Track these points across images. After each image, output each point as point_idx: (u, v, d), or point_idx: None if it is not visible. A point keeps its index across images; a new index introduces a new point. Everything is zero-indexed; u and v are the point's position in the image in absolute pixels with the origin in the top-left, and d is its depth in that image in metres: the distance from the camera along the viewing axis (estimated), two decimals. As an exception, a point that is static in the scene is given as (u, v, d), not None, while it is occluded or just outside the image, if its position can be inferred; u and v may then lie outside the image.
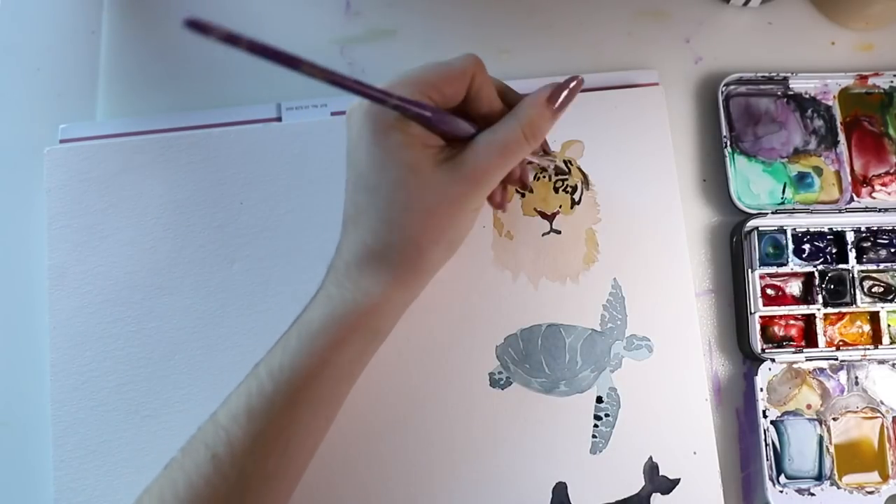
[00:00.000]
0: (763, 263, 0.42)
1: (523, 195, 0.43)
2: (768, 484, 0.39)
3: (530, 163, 0.41)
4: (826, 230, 0.43)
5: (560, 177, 0.44)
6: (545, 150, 0.40)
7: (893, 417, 0.41)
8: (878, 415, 0.41)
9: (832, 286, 0.43)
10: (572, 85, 0.33)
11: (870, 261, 0.43)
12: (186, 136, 0.44)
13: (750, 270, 0.42)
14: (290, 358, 0.32)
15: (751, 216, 0.42)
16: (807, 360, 0.41)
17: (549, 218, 0.43)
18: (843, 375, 0.42)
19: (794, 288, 0.43)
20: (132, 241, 0.43)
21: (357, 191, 0.33)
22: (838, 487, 0.40)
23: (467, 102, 0.33)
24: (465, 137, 0.32)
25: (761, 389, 0.41)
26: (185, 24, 0.22)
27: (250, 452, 0.32)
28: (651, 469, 0.40)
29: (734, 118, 0.45)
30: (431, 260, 0.33)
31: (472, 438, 0.40)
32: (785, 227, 0.43)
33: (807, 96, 0.45)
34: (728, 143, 0.44)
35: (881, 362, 0.42)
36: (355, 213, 0.33)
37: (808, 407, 0.41)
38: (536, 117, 0.32)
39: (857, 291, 0.42)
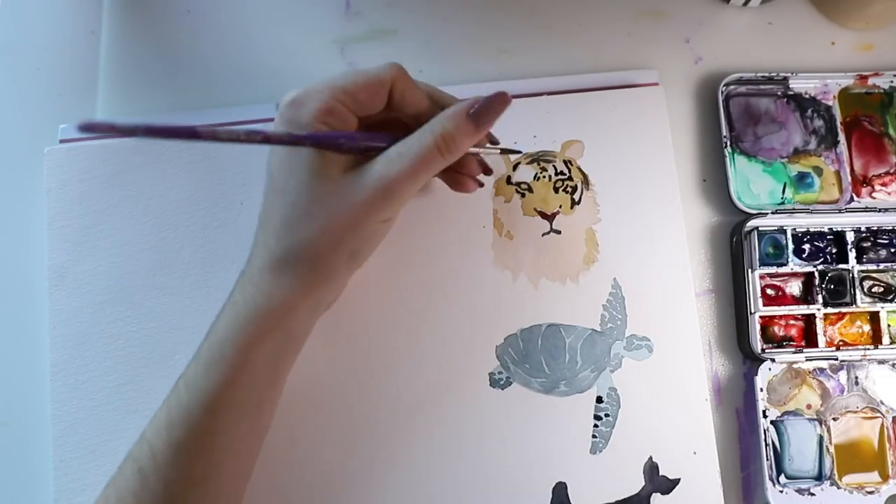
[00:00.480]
0: (763, 263, 0.42)
1: (523, 195, 0.43)
2: (768, 484, 0.39)
3: (475, 156, 0.39)
4: (826, 230, 0.43)
5: (560, 177, 0.44)
6: (491, 141, 0.39)
7: (893, 417, 0.41)
8: (878, 415, 0.41)
9: (832, 286, 0.43)
10: (496, 99, 0.32)
11: (870, 261, 0.43)
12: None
13: (750, 270, 0.42)
14: (203, 367, 0.33)
15: (751, 216, 0.42)
16: (807, 360, 0.41)
17: (549, 218, 0.43)
18: (843, 375, 0.42)
19: (794, 288, 0.43)
20: (132, 241, 0.43)
21: (267, 192, 0.33)
22: (838, 487, 0.40)
23: (394, 109, 0.33)
24: (385, 147, 0.32)
25: (761, 389, 0.41)
26: (79, 128, 0.22)
27: (173, 463, 0.32)
28: (651, 469, 0.40)
29: (734, 118, 0.45)
30: (332, 267, 0.33)
31: (472, 438, 0.40)
32: (785, 227, 0.43)
33: (807, 96, 0.45)
34: (728, 143, 0.44)
35: (881, 362, 0.42)
36: (264, 217, 0.33)
37: (808, 407, 0.41)
38: (453, 130, 0.32)
39: (857, 291, 0.42)
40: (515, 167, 0.44)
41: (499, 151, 0.39)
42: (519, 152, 0.42)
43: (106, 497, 0.33)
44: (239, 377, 0.32)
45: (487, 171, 0.40)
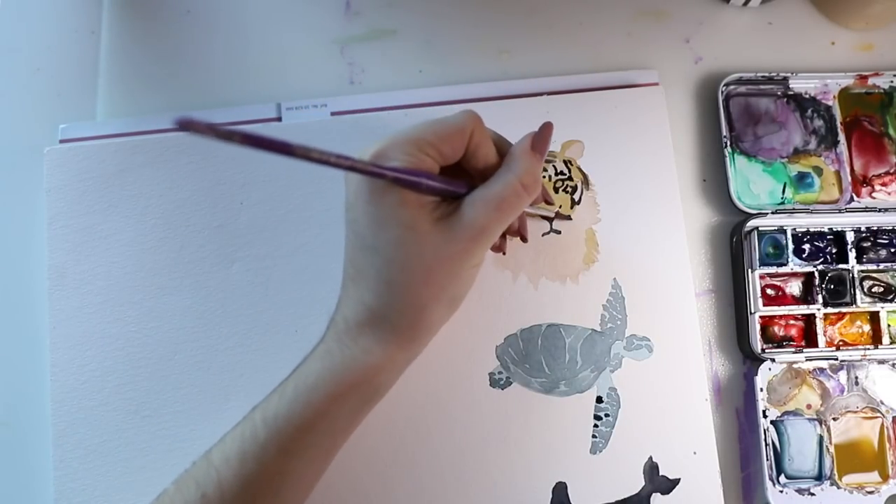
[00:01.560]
0: (763, 263, 0.42)
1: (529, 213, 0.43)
2: (768, 484, 0.39)
3: (531, 214, 0.41)
4: (826, 230, 0.43)
5: (560, 177, 0.44)
6: (546, 200, 0.41)
7: (893, 417, 0.41)
8: (878, 415, 0.41)
9: (832, 286, 0.43)
10: (546, 128, 0.34)
11: (870, 261, 0.43)
12: (186, 136, 0.44)
13: (750, 270, 0.42)
14: (287, 407, 0.32)
15: (751, 216, 0.42)
16: (807, 360, 0.41)
17: (549, 218, 0.43)
18: (843, 375, 0.42)
19: (794, 288, 0.43)
20: (132, 241, 0.43)
21: (356, 250, 0.33)
22: (838, 487, 0.40)
23: (465, 158, 0.33)
24: (462, 194, 0.32)
25: (761, 389, 0.41)
26: (177, 124, 0.22)
27: (239, 496, 0.32)
28: (651, 469, 0.40)
29: (734, 118, 0.45)
30: (433, 318, 0.33)
31: (472, 438, 0.40)
32: (785, 227, 0.43)
33: (807, 96, 0.45)
34: (728, 143, 0.44)
35: (881, 362, 0.42)
36: (355, 271, 0.33)
37: (808, 407, 0.41)
38: (529, 166, 0.33)
39: (857, 291, 0.42)
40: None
41: (554, 215, 0.42)
42: (554, 207, 0.43)
43: None
44: (320, 424, 0.32)
45: (524, 238, 0.40)
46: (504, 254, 0.42)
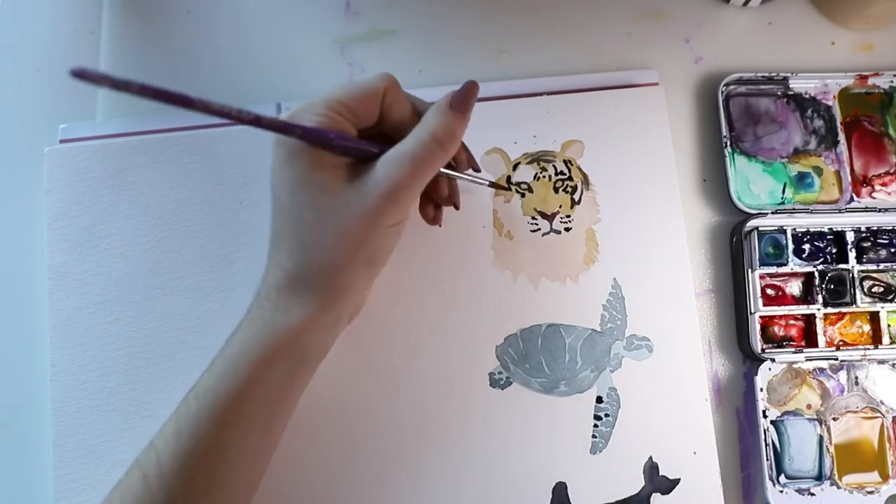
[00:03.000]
0: (763, 263, 0.42)
1: (523, 195, 0.43)
2: (768, 484, 0.39)
3: (463, 179, 0.40)
4: (826, 230, 0.43)
5: (560, 177, 0.44)
6: (473, 167, 0.40)
7: (893, 417, 0.41)
8: (878, 415, 0.41)
9: (832, 286, 0.43)
10: (468, 86, 0.34)
11: (870, 261, 0.43)
12: (186, 136, 0.44)
13: (750, 270, 0.42)
14: (215, 380, 0.33)
15: (751, 216, 0.42)
16: (807, 360, 0.41)
17: (549, 218, 0.43)
18: (843, 375, 0.42)
19: (794, 288, 0.43)
20: (132, 241, 0.43)
21: (275, 215, 0.33)
22: (838, 487, 0.40)
23: (382, 120, 0.34)
24: (374, 154, 0.32)
25: (761, 389, 0.41)
26: (72, 73, 0.22)
27: (177, 473, 0.32)
28: (651, 469, 0.40)
29: (734, 118, 0.45)
30: (348, 279, 0.33)
31: (472, 438, 0.41)
32: (785, 227, 0.43)
33: (807, 96, 0.45)
34: (728, 143, 0.44)
35: (881, 362, 0.42)
36: (274, 237, 0.33)
37: (808, 407, 0.41)
38: (445, 122, 0.32)
39: (857, 291, 0.42)
40: (515, 167, 0.44)
41: (487, 183, 0.41)
42: (505, 187, 0.43)
43: (109, 502, 0.33)
44: (249, 392, 0.32)
45: (456, 205, 0.40)
46: (440, 225, 0.41)
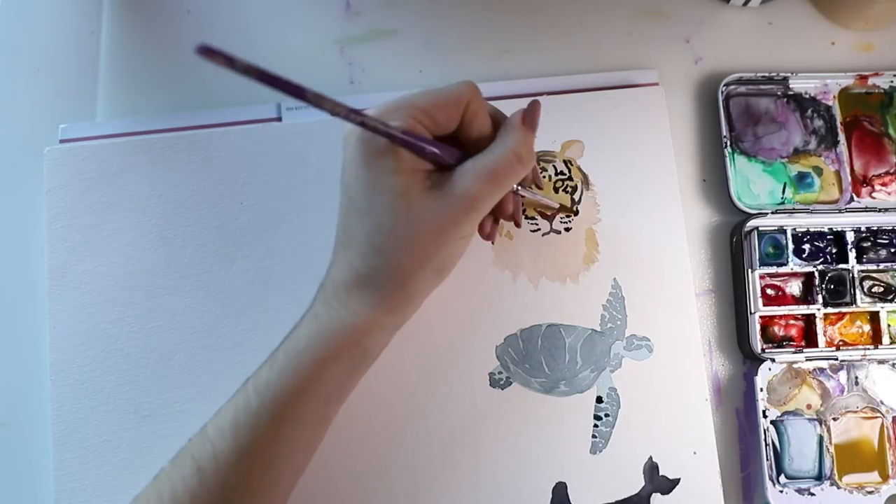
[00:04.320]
0: (763, 263, 0.42)
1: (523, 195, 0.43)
2: (768, 484, 0.39)
3: (531, 202, 0.41)
4: (826, 230, 0.43)
5: (560, 177, 0.44)
6: (536, 184, 0.41)
7: (893, 417, 0.41)
8: (878, 415, 0.41)
9: (832, 286, 0.43)
10: (534, 104, 0.35)
11: (870, 261, 0.43)
12: (186, 136, 0.44)
13: (750, 270, 0.42)
14: (277, 374, 0.33)
15: (751, 216, 0.42)
16: (807, 360, 0.41)
17: (549, 218, 0.43)
18: (843, 375, 0.42)
19: (794, 288, 0.43)
20: (132, 241, 0.43)
21: (348, 214, 0.33)
22: (838, 487, 0.40)
23: (461, 128, 0.33)
24: (454, 164, 0.33)
25: (761, 389, 0.41)
26: (197, 50, 0.22)
27: (234, 466, 0.32)
28: (651, 469, 0.40)
29: (734, 118, 0.45)
30: (418, 285, 0.33)
31: (471, 438, 0.40)
32: (785, 227, 0.43)
33: (807, 96, 0.45)
34: (728, 143, 0.44)
35: (881, 362, 0.42)
36: (345, 235, 0.33)
37: (808, 407, 0.41)
38: (523, 139, 0.33)
39: (857, 291, 0.42)
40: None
41: (557, 205, 0.42)
42: (572, 211, 0.43)
43: (159, 491, 0.33)
44: (311, 389, 0.33)
45: (518, 223, 0.41)
46: (493, 242, 0.41)
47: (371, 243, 0.32)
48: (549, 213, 0.43)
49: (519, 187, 0.37)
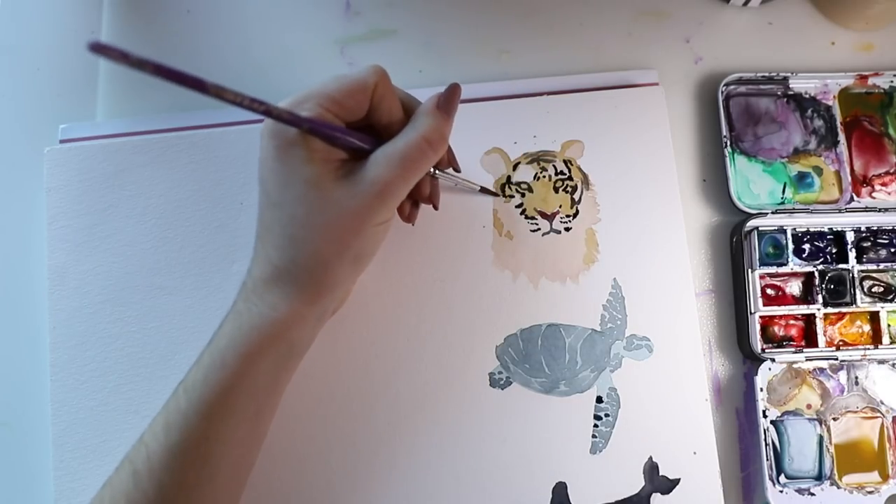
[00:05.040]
0: (763, 263, 0.42)
1: (523, 195, 0.43)
2: (768, 484, 0.39)
3: (453, 179, 0.41)
4: (826, 230, 0.43)
5: (560, 177, 0.44)
6: (454, 168, 0.40)
7: (893, 417, 0.41)
8: (878, 415, 0.41)
9: (832, 286, 0.43)
10: (452, 89, 0.35)
11: (870, 261, 0.43)
12: (186, 136, 0.44)
13: (750, 270, 0.42)
14: (203, 373, 0.33)
15: (751, 216, 0.42)
16: (807, 360, 0.41)
17: (549, 218, 0.43)
18: (843, 375, 0.42)
19: (794, 288, 0.43)
20: (132, 241, 0.43)
21: (264, 208, 0.33)
22: (838, 487, 0.40)
23: (370, 114, 0.34)
24: (366, 151, 0.33)
25: (761, 389, 0.41)
26: (90, 48, 0.22)
27: (167, 466, 0.32)
28: (651, 469, 0.40)
29: (734, 118, 0.45)
30: (336, 275, 0.33)
31: (472, 438, 0.40)
32: (785, 227, 0.43)
33: (807, 96, 0.45)
34: (728, 143, 0.44)
35: (881, 362, 0.42)
36: (263, 230, 0.33)
37: (808, 407, 0.41)
38: (434, 124, 0.33)
39: (857, 291, 0.42)
40: (515, 167, 0.44)
41: (479, 188, 0.42)
42: (495, 193, 0.43)
43: (101, 497, 0.33)
44: (238, 385, 0.33)
45: (435, 205, 0.41)
46: (413, 224, 0.41)
47: (286, 235, 0.32)
48: (548, 213, 0.43)
49: (436, 171, 0.37)
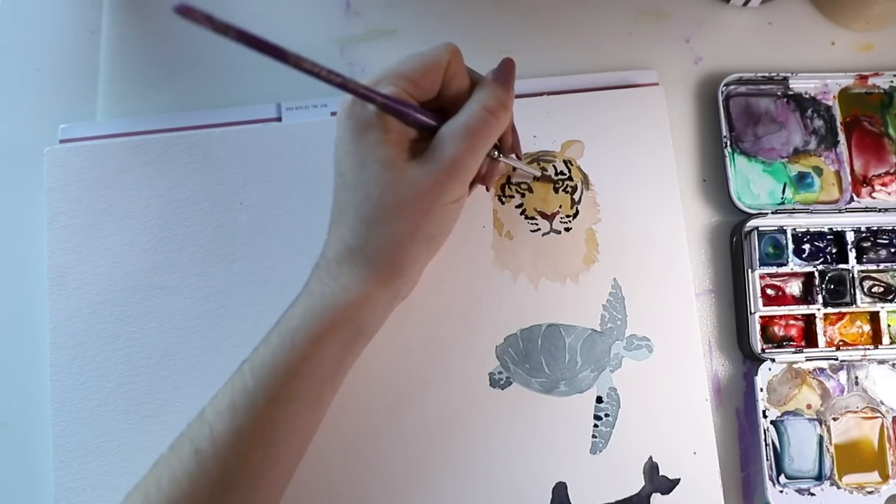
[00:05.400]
0: (763, 263, 0.42)
1: (523, 195, 0.43)
2: (768, 484, 0.39)
3: (511, 166, 0.41)
4: (826, 230, 0.43)
5: (560, 177, 0.44)
6: (517, 154, 0.41)
7: (893, 417, 0.41)
8: (878, 415, 0.41)
9: (832, 286, 0.43)
10: (506, 62, 0.35)
11: (870, 261, 0.43)
12: (186, 136, 0.44)
13: (750, 270, 0.42)
14: (272, 353, 0.33)
15: (751, 216, 0.42)
16: (807, 360, 0.41)
17: (549, 218, 0.43)
18: (843, 375, 0.42)
19: (794, 288, 0.43)
20: (132, 241, 0.43)
21: (339, 189, 0.33)
22: (838, 487, 0.40)
23: (441, 90, 0.34)
24: (435, 129, 0.33)
25: (761, 389, 0.41)
26: (175, 9, 0.22)
27: (233, 448, 0.32)
28: (651, 469, 0.40)
29: (734, 118, 0.45)
30: (409, 255, 0.33)
31: (472, 438, 0.40)
32: (785, 227, 0.43)
33: (807, 96, 0.45)
34: (728, 143, 0.44)
35: (881, 362, 0.42)
36: (337, 212, 0.34)
37: (808, 407, 0.41)
38: (493, 93, 0.33)
39: (857, 291, 0.42)
40: (515, 167, 0.44)
41: (539, 174, 0.43)
42: (553, 180, 0.44)
43: (158, 476, 0.32)
44: (305, 367, 0.33)
45: (488, 186, 0.41)
46: (488, 190, 0.42)
47: (360, 216, 0.32)
48: (548, 213, 0.43)
49: (499, 154, 0.37)
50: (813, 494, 0.40)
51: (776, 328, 0.42)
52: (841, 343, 0.42)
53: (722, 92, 0.44)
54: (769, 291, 0.43)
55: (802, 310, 0.42)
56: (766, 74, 0.44)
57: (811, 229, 0.43)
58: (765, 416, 0.40)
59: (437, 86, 0.33)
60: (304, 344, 0.32)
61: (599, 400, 0.41)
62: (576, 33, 0.47)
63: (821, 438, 0.41)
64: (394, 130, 0.32)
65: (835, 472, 0.40)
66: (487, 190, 0.42)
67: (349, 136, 0.32)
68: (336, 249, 0.33)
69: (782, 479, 0.40)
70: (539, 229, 0.43)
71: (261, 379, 0.32)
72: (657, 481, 0.40)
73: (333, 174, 0.34)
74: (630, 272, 0.42)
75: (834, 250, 0.43)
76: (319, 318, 0.33)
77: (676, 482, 0.40)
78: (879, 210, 0.43)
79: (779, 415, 0.41)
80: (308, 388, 0.33)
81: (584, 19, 0.47)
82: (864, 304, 0.42)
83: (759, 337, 0.41)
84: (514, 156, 0.40)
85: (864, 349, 0.41)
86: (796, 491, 0.40)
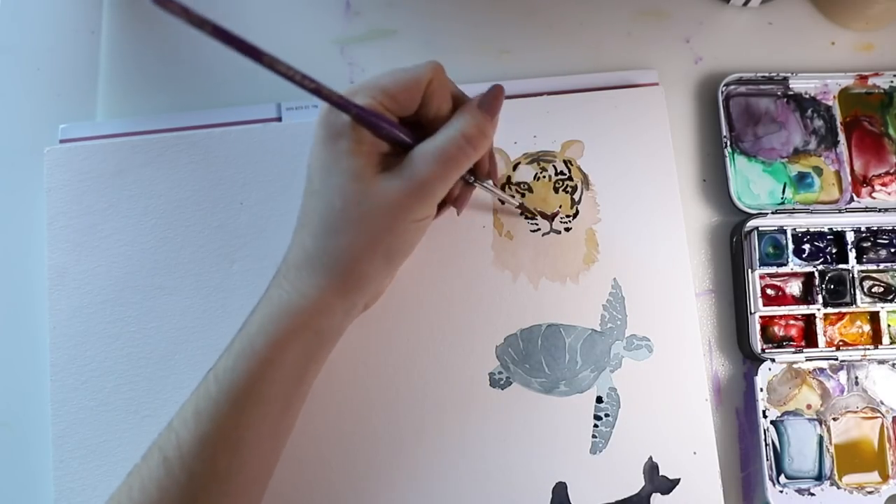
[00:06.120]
0: (763, 263, 0.42)
1: (523, 195, 0.43)
2: (768, 484, 0.39)
3: (491, 192, 0.40)
4: (826, 230, 0.43)
5: (560, 177, 0.44)
6: (493, 181, 0.40)
7: (893, 417, 0.41)
8: (878, 415, 0.41)
9: (832, 286, 0.43)
10: (495, 90, 0.34)
11: (870, 261, 0.43)
12: (186, 136, 0.44)
13: (750, 270, 0.42)
14: (233, 360, 0.33)
15: (751, 216, 0.42)
16: (807, 360, 0.41)
17: (549, 218, 0.43)
18: (843, 375, 0.42)
19: (794, 288, 0.43)
20: (132, 241, 0.43)
21: (306, 196, 0.33)
22: (838, 487, 0.40)
23: (420, 108, 0.34)
24: (409, 146, 0.33)
25: (761, 389, 0.41)
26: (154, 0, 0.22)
27: (198, 455, 0.32)
28: (651, 469, 0.40)
29: (734, 118, 0.45)
30: (367, 269, 0.33)
31: (472, 438, 0.40)
32: (785, 227, 0.43)
33: (807, 96, 0.45)
34: (728, 143, 0.44)
35: (881, 362, 0.42)
36: (303, 217, 0.34)
37: (808, 407, 0.41)
38: (474, 121, 0.33)
39: (857, 291, 0.42)
40: (515, 167, 0.44)
41: (518, 203, 0.42)
42: (533, 214, 0.43)
43: (129, 486, 0.33)
44: (268, 372, 0.33)
45: (459, 210, 0.40)
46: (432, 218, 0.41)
47: (322, 224, 0.32)
48: (548, 213, 0.43)
49: (474, 179, 0.37)
50: (813, 494, 0.40)
51: (776, 328, 0.42)
52: (841, 343, 0.42)
53: (722, 92, 0.44)
54: (769, 291, 0.43)
55: (802, 310, 0.42)
56: (766, 74, 0.44)
57: (811, 229, 0.43)
58: (765, 416, 0.40)
59: (416, 102, 0.33)
60: (264, 349, 0.32)
61: (599, 400, 0.41)
62: (575, 33, 0.47)
63: (821, 438, 0.41)
64: (366, 142, 0.32)
65: (835, 472, 0.40)
66: (458, 214, 0.41)
67: (321, 144, 0.32)
68: (297, 255, 0.33)
69: (782, 479, 0.40)
70: (539, 229, 0.43)
71: (223, 385, 0.32)
72: (657, 481, 0.40)
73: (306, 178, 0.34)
74: (630, 272, 0.42)
75: (834, 250, 0.43)
76: (277, 323, 0.33)
77: (676, 482, 0.40)
78: (879, 210, 0.43)
79: (779, 415, 0.41)
80: (272, 394, 0.33)
81: (583, 19, 0.47)
82: (864, 304, 0.42)
83: (759, 337, 0.41)
84: (490, 182, 0.39)
85: (864, 349, 0.41)
86: (796, 491, 0.40)
